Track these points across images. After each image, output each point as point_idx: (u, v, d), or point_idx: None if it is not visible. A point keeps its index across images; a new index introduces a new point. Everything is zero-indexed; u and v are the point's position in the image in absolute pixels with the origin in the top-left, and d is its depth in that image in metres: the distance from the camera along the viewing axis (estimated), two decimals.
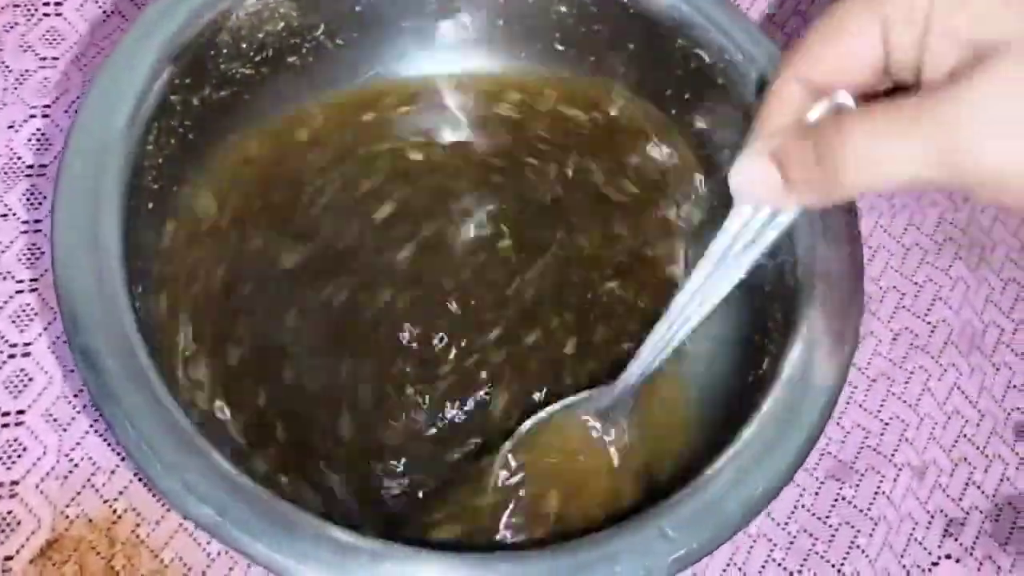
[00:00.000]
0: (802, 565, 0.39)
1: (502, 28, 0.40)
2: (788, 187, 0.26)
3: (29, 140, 0.42)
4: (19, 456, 0.36)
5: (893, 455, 0.42)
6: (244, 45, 0.36)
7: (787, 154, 0.25)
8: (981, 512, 0.42)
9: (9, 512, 0.35)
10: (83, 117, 0.30)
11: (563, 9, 0.39)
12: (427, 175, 0.40)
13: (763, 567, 0.39)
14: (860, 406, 0.43)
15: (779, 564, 0.39)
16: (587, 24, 0.39)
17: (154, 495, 0.36)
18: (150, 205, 0.34)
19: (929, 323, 0.45)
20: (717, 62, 0.36)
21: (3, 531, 0.35)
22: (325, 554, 0.26)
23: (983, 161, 0.22)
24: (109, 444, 0.37)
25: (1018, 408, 0.44)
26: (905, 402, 0.43)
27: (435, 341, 0.36)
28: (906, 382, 0.44)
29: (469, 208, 0.39)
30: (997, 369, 0.45)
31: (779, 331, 0.33)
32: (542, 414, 0.34)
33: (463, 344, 0.36)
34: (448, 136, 0.41)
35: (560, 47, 0.40)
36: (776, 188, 0.26)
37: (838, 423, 0.42)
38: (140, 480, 0.37)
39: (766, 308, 0.35)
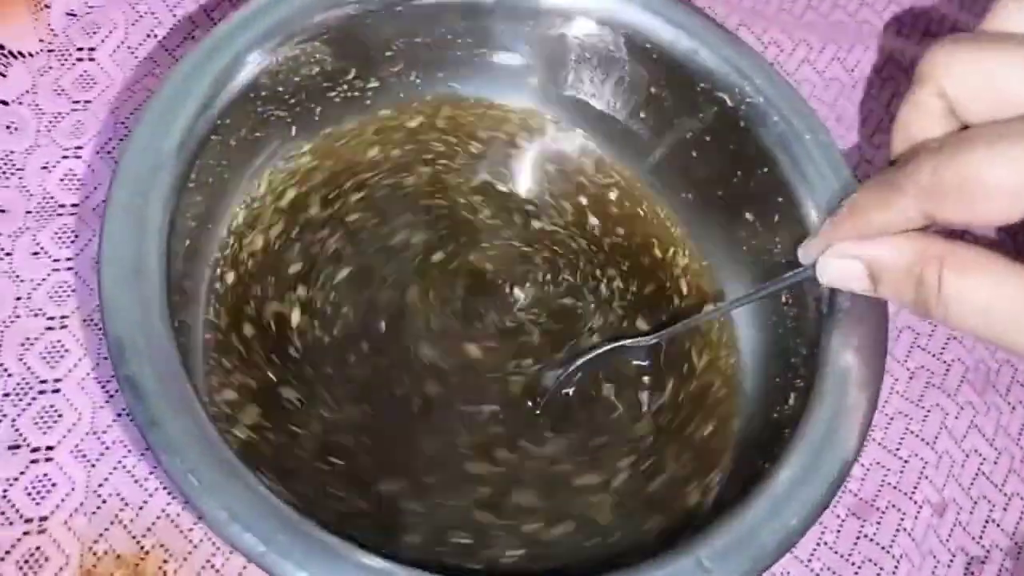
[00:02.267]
0: None
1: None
2: (875, 292, 0.27)
3: (62, 180, 0.42)
4: (48, 492, 0.36)
5: (913, 492, 0.42)
6: (281, 88, 0.37)
7: (884, 274, 0.26)
8: (1002, 550, 0.42)
9: (37, 548, 0.35)
10: (131, 151, 0.31)
11: (587, 55, 0.40)
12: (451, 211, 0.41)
13: None
14: (879, 444, 0.43)
15: None
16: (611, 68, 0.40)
17: (181, 532, 0.37)
18: (187, 242, 0.34)
19: (944, 362, 0.46)
20: (739, 105, 0.37)
21: (32, 567, 0.35)
22: None
23: None
24: (137, 480, 0.37)
25: None
26: (923, 440, 0.44)
27: None
28: (924, 420, 0.44)
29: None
30: (1012, 408, 0.45)
31: (804, 366, 0.33)
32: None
33: None
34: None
35: (585, 90, 0.42)
36: (864, 289, 0.27)
37: (858, 461, 0.42)
38: (168, 517, 0.37)
39: (790, 343, 0.35)
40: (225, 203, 0.38)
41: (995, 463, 0.44)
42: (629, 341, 0.37)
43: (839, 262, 0.28)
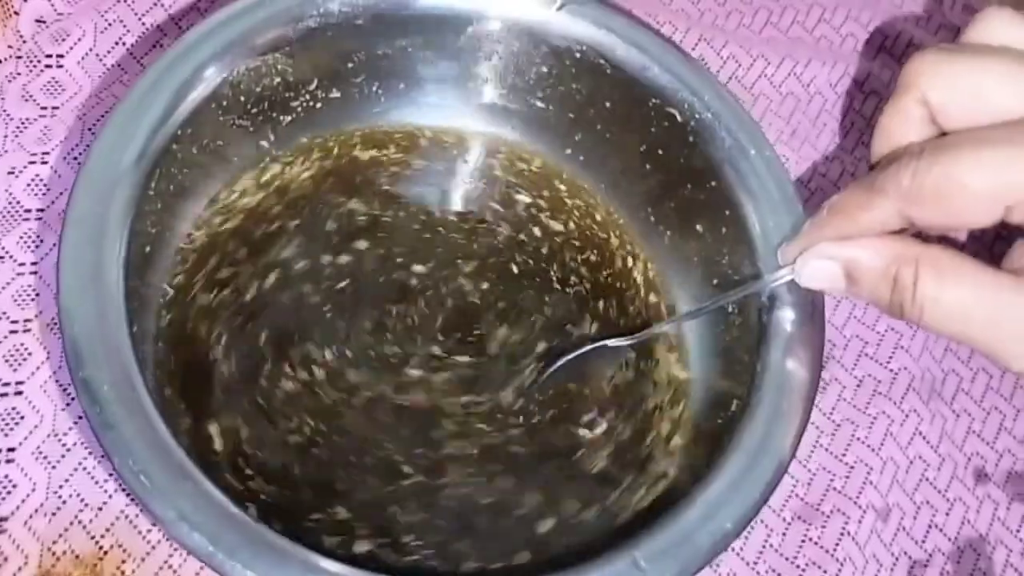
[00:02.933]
0: None
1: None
2: (851, 293, 0.28)
3: (28, 185, 0.43)
4: (8, 493, 0.37)
5: (858, 497, 0.44)
6: (243, 98, 0.38)
7: (861, 275, 0.27)
8: (944, 554, 0.44)
9: None
10: (93, 159, 0.32)
11: (544, 69, 0.42)
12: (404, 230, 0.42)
13: None
14: (826, 450, 0.44)
15: None
16: (566, 83, 0.41)
17: (139, 532, 0.37)
18: (147, 249, 0.35)
19: (891, 370, 0.47)
20: (688, 121, 0.38)
21: None
22: None
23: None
24: (97, 482, 0.38)
25: (977, 453, 0.46)
26: (869, 446, 0.45)
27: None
28: (870, 427, 0.45)
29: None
30: (957, 416, 0.47)
31: (746, 372, 0.34)
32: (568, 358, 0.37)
33: None
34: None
35: (540, 104, 0.43)
36: (839, 291, 0.28)
37: (804, 466, 0.44)
38: (127, 518, 0.37)
39: (734, 350, 0.36)
40: (187, 209, 0.39)
41: (939, 469, 0.45)
42: (597, 344, 0.38)
43: (817, 263, 0.29)
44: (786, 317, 0.35)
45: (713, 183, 0.38)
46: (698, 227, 0.40)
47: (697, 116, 0.38)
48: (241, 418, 0.35)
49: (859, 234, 0.27)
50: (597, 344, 0.38)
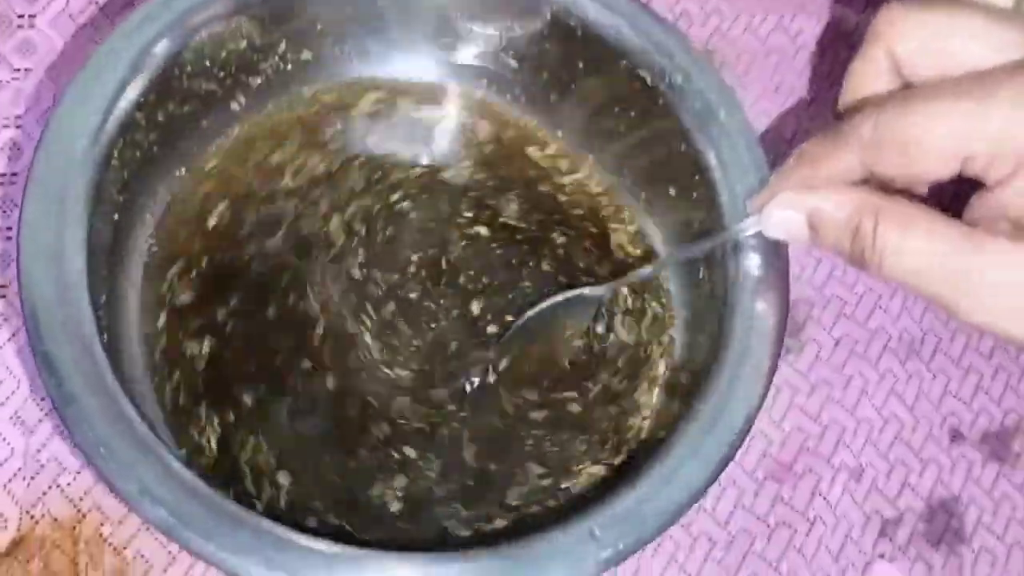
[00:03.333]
0: (741, 563, 0.41)
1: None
2: (815, 242, 0.28)
3: (1, 149, 0.43)
4: None
5: (831, 457, 0.44)
6: (208, 63, 0.37)
7: (823, 225, 0.27)
8: (915, 513, 0.44)
9: None
10: (52, 129, 0.32)
11: (517, 29, 0.41)
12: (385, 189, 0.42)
13: (704, 563, 0.41)
14: (800, 410, 0.45)
15: (719, 563, 0.41)
16: (539, 43, 0.41)
17: None
18: (115, 217, 0.35)
19: (869, 330, 0.47)
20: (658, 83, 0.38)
21: None
22: (275, 554, 0.28)
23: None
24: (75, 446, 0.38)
25: (952, 413, 0.46)
26: (844, 407, 0.45)
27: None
28: (845, 387, 0.45)
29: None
30: (934, 376, 0.47)
31: (718, 325, 0.35)
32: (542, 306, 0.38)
33: None
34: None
35: (514, 63, 0.42)
36: (802, 240, 0.28)
37: (779, 426, 0.44)
38: None
39: (708, 303, 0.37)
40: (158, 175, 0.38)
41: (914, 430, 0.45)
42: (572, 292, 0.38)
43: (781, 213, 0.29)
44: (752, 265, 0.35)
45: (683, 147, 0.37)
46: (670, 190, 0.40)
47: (667, 79, 0.37)
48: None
49: (822, 184, 0.27)
50: (571, 293, 0.38)
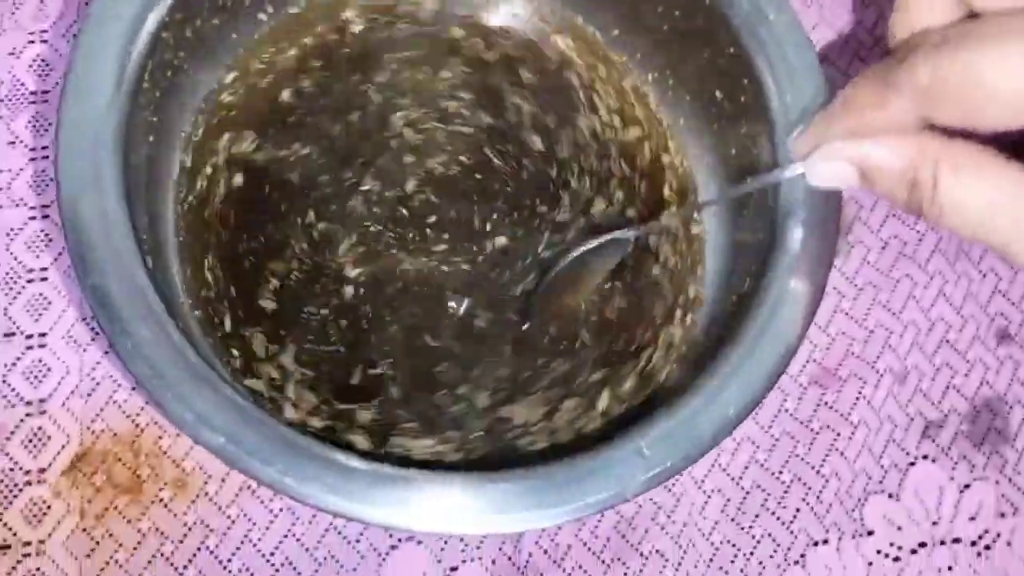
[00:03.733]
0: (783, 467, 0.42)
1: None
2: (866, 188, 0.26)
3: (30, 66, 0.42)
4: (44, 376, 0.39)
5: (876, 361, 0.44)
6: None
7: (877, 175, 0.25)
8: (959, 414, 0.44)
9: (40, 428, 0.38)
10: (79, 54, 0.31)
11: None
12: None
13: (746, 468, 0.41)
14: (846, 314, 0.44)
15: (761, 465, 0.42)
16: None
17: None
18: (151, 138, 0.35)
19: (917, 231, 0.46)
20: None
21: (36, 445, 0.38)
22: (328, 476, 0.28)
23: None
24: None
25: (1001, 313, 0.46)
26: (890, 310, 0.44)
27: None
28: (892, 290, 0.45)
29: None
30: (983, 275, 0.46)
31: (758, 258, 0.34)
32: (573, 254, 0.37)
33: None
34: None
35: None
36: (854, 185, 0.26)
37: (824, 331, 0.44)
38: None
39: (748, 231, 0.36)
40: (190, 95, 0.38)
41: (960, 331, 0.45)
42: (618, 233, 0.37)
43: (830, 164, 0.27)
44: (799, 197, 0.34)
45: (731, 49, 0.36)
46: (717, 93, 0.38)
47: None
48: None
49: (874, 132, 0.25)
50: (607, 237, 0.37)
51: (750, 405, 0.31)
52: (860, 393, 0.43)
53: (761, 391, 0.31)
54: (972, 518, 0.43)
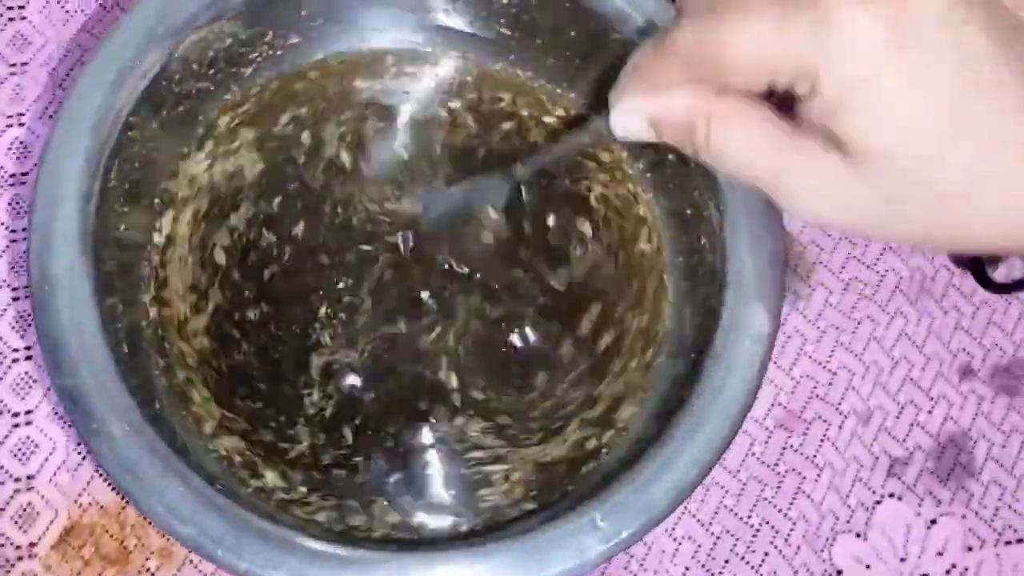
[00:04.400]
0: (751, 511, 0.43)
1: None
2: (658, 138, 0.28)
3: (9, 149, 0.44)
4: (32, 453, 0.40)
5: (840, 404, 0.45)
6: (195, 66, 0.37)
7: (663, 127, 0.27)
8: (924, 451, 0.45)
9: (29, 503, 0.40)
10: (45, 167, 0.32)
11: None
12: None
13: (715, 513, 0.43)
14: (810, 357, 0.45)
15: (731, 510, 0.43)
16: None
17: None
18: (122, 227, 0.36)
19: (878, 272, 0.47)
20: None
21: (26, 521, 0.39)
22: (293, 560, 0.30)
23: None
24: None
25: (964, 349, 0.47)
26: (852, 352, 0.46)
27: None
28: (854, 332, 0.46)
29: None
30: (945, 312, 0.47)
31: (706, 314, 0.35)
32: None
33: None
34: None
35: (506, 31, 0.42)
36: (651, 139, 0.28)
37: (788, 374, 0.45)
38: None
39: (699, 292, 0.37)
40: (156, 175, 0.39)
41: (923, 369, 0.46)
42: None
43: (626, 117, 0.28)
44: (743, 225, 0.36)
45: None
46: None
47: None
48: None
49: (664, 88, 0.27)
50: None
51: (703, 470, 0.32)
52: (825, 435, 0.44)
53: (713, 457, 0.32)
54: (940, 553, 0.44)
